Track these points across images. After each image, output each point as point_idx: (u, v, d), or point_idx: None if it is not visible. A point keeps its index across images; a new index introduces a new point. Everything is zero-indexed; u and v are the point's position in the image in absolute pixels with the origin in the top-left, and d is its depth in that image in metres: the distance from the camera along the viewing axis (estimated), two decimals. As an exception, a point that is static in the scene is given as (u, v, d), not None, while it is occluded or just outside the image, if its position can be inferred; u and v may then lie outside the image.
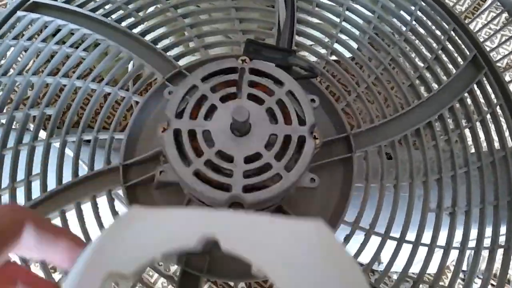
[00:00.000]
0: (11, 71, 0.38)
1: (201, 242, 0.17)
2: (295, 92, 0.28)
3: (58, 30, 0.39)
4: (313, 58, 0.40)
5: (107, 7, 0.40)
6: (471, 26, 0.42)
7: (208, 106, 0.27)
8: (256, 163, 0.26)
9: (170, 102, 0.27)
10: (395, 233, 0.35)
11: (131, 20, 0.39)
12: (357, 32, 0.41)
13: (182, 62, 0.38)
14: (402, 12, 0.42)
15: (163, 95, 0.29)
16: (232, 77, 0.28)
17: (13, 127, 0.37)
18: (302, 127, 0.27)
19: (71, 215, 0.34)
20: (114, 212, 0.34)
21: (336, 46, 0.40)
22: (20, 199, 0.35)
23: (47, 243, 0.17)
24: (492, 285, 0.36)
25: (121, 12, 0.39)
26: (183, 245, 0.17)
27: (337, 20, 0.41)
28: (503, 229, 0.37)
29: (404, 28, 0.41)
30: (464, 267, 0.36)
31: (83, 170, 0.35)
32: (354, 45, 0.41)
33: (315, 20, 0.41)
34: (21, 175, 0.35)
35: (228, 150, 0.26)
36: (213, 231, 0.17)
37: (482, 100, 0.40)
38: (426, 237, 0.35)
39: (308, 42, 0.40)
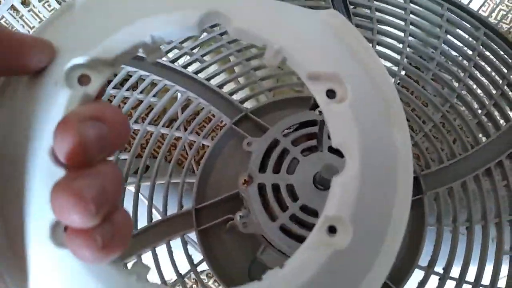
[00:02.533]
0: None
1: (204, 22, 0.15)
2: (376, 144, 0.28)
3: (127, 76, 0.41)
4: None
5: (173, 53, 0.41)
6: (537, 59, 0.41)
7: (290, 160, 0.28)
8: (341, 218, 0.26)
9: (254, 157, 0.28)
10: (469, 276, 0.35)
11: (197, 65, 0.40)
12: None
13: (246, 105, 0.39)
14: (465, 48, 0.41)
15: (242, 146, 0.30)
16: (312, 130, 0.29)
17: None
18: (385, 179, 0.27)
19: (147, 258, 0.35)
20: (188, 256, 0.35)
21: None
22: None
23: None
24: None
25: (187, 58, 0.41)
26: (182, 22, 0.15)
27: (398, 57, 0.41)
28: None
29: (467, 64, 0.41)
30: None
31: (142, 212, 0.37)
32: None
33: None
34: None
35: (312, 204, 0.27)
36: (220, 5, 0.15)
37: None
38: (502, 281, 0.35)
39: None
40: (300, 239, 0.26)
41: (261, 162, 0.28)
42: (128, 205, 0.36)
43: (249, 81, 0.39)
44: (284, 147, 0.28)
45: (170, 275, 0.35)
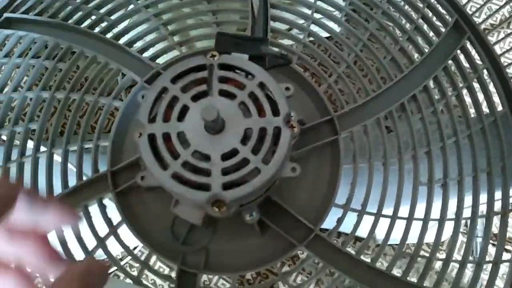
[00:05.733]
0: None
1: None
2: (267, 83, 0.27)
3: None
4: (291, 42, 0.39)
5: (78, 15, 0.39)
6: (451, -9, 0.41)
7: (180, 107, 0.27)
8: (233, 160, 0.26)
9: (142, 107, 0.27)
10: (388, 209, 0.35)
11: (104, 24, 0.39)
12: (333, 11, 0.40)
13: (160, 61, 0.38)
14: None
15: (137, 99, 0.29)
16: (202, 74, 0.28)
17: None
18: (276, 118, 0.27)
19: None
20: (107, 220, 0.35)
21: (313, 27, 0.39)
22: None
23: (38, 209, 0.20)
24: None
25: (93, 17, 0.39)
26: None
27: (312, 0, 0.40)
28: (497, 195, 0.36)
29: (380, 0, 0.40)
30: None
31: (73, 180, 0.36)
32: (332, 24, 0.40)
33: (289, 3, 0.40)
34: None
35: (204, 149, 0.26)
36: None
37: (468, 65, 0.39)
38: (419, 211, 0.35)
39: (285, 27, 0.39)
40: (194, 185, 0.26)
41: (152, 112, 0.27)
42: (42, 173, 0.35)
43: (159, 37, 0.38)
44: (174, 95, 0.27)
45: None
